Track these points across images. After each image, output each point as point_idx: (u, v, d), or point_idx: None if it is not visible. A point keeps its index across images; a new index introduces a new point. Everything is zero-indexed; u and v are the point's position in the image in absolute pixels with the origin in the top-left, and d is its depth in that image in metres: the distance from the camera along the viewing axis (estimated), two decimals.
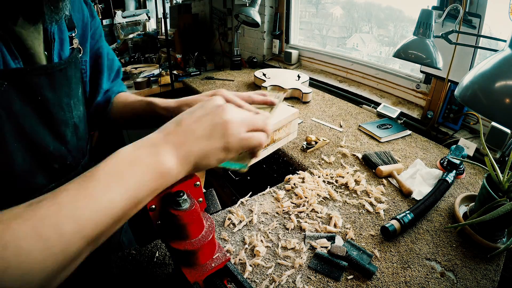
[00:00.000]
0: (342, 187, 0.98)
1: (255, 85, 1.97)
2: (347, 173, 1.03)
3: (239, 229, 0.81)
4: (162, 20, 2.71)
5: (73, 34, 0.57)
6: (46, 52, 0.51)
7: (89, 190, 0.30)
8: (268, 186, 0.97)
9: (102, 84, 0.69)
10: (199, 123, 0.39)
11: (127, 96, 0.73)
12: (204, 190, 0.53)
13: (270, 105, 0.53)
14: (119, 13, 3.57)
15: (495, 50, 0.65)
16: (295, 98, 1.75)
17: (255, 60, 2.50)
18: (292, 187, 0.97)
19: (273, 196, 0.94)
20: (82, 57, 0.61)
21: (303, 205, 0.89)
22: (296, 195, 0.93)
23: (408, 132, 1.34)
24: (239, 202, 0.90)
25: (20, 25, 0.45)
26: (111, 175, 0.32)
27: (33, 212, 0.27)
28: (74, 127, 0.57)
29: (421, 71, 1.54)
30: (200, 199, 0.50)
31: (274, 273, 0.69)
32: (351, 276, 0.68)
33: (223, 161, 0.42)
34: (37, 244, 0.26)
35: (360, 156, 1.14)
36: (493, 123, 1.14)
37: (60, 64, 0.51)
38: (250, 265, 0.70)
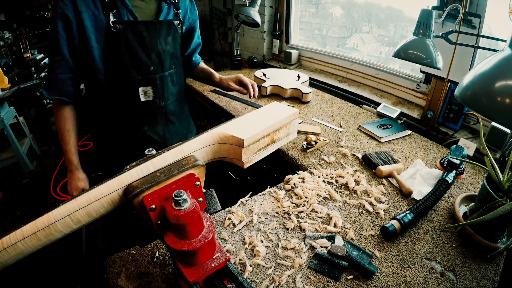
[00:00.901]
0: (342, 187, 0.98)
1: None
2: (347, 173, 1.03)
3: (239, 229, 0.81)
4: None
5: (178, 11, 1.04)
6: (156, 16, 0.99)
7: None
8: (268, 186, 0.97)
9: (191, 45, 1.21)
10: None
11: (203, 66, 1.33)
12: (204, 190, 0.53)
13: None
14: None
15: (495, 50, 0.65)
16: (295, 98, 1.74)
17: (255, 60, 2.49)
18: (292, 187, 0.97)
19: (273, 196, 0.94)
20: (183, 25, 1.08)
21: (303, 205, 0.88)
22: (296, 195, 0.93)
23: (408, 132, 1.34)
24: (239, 202, 0.90)
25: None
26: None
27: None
28: (157, 53, 1.00)
29: (421, 71, 1.54)
30: (200, 199, 0.50)
31: (274, 273, 0.69)
32: (351, 276, 0.68)
33: None
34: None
35: (360, 156, 1.14)
36: (493, 123, 1.14)
37: (153, 23, 0.96)
38: (250, 265, 0.70)
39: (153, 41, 0.97)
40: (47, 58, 4.05)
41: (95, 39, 0.90)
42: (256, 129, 0.60)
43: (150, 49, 0.98)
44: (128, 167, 0.50)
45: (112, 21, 0.88)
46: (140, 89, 1.00)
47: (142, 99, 1.02)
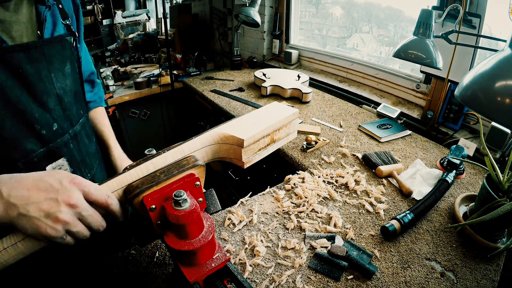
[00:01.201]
0: (342, 187, 0.98)
1: (255, 85, 1.97)
2: (347, 173, 1.03)
3: (239, 229, 0.81)
4: (162, 20, 2.71)
5: (68, 22, 0.67)
6: (39, 32, 0.60)
7: None
8: (268, 186, 0.97)
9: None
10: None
11: (98, 117, 0.91)
12: (204, 190, 0.53)
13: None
14: (119, 13, 3.57)
15: (495, 50, 0.65)
16: (295, 98, 1.74)
17: (255, 60, 2.50)
18: (292, 187, 0.97)
19: (273, 196, 0.94)
20: (78, 42, 0.71)
21: (303, 205, 0.88)
22: (296, 195, 0.93)
23: (408, 132, 1.34)
24: (239, 202, 0.90)
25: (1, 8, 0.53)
26: None
27: None
28: (58, 97, 0.64)
29: (421, 71, 1.54)
30: (200, 199, 0.50)
31: (274, 273, 0.69)
32: (351, 276, 0.68)
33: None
34: None
35: (360, 156, 1.14)
36: (493, 123, 1.14)
37: (36, 45, 0.58)
38: (250, 265, 0.70)
39: (44, 78, 0.60)
40: None
41: None
42: (256, 129, 0.60)
43: (45, 94, 0.61)
44: (128, 167, 0.50)
45: None
46: (48, 168, 0.64)
47: None
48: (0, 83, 0.52)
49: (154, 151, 0.53)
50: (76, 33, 0.69)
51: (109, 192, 0.45)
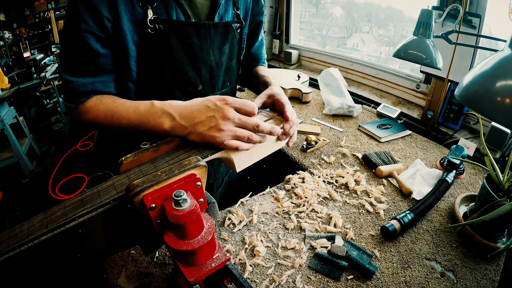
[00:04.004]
0: (342, 187, 0.98)
1: None
2: (347, 173, 1.03)
3: (239, 229, 0.81)
4: None
5: (238, 12, 0.82)
6: (211, 15, 0.75)
7: (130, 110, 0.63)
8: (268, 186, 0.97)
9: (251, 50, 0.98)
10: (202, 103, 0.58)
11: (259, 69, 1.01)
12: (208, 199, 0.53)
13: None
14: None
15: (495, 50, 0.65)
16: (295, 98, 1.75)
17: None
18: (292, 187, 0.97)
19: (273, 196, 0.94)
20: (244, 29, 0.86)
21: (303, 205, 0.89)
22: (296, 195, 0.93)
23: (408, 132, 1.34)
24: (239, 202, 0.90)
25: None
26: (136, 104, 0.63)
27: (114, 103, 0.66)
28: (210, 67, 0.79)
29: (421, 71, 1.54)
30: (201, 199, 0.50)
31: (274, 273, 0.69)
32: (351, 276, 0.68)
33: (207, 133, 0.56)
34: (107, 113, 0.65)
35: (360, 156, 1.14)
36: (493, 123, 1.14)
37: (206, 25, 0.73)
38: (250, 265, 0.70)
39: (204, 50, 0.75)
40: (47, 59, 4.05)
41: (131, 39, 0.66)
42: (252, 160, 0.66)
43: (201, 62, 0.75)
44: (123, 159, 0.52)
45: (150, 19, 0.64)
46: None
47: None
48: (174, 50, 0.70)
49: (149, 144, 0.57)
50: (243, 21, 0.83)
51: (255, 104, 0.61)
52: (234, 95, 0.92)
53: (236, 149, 0.58)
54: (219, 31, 0.76)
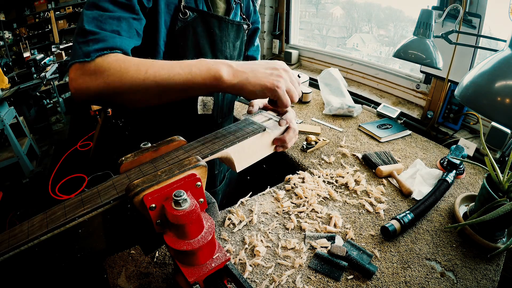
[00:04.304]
0: (342, 187, 0.98)
1: None
2: (347, 173, 1.03)
3: (239, 229, 0.81)
4: None
5: (244, 16, 0.92)
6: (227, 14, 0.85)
7: (170, 64, 0.55)
8: (268, 186, 0.97)
9: (247, 53, 1.04)
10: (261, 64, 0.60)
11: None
12: (208, 199, 0.53)
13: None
14: None
15: (495, 50, 0.65)
16: None
17: None
18: (292, 187, 0.97)
19: (273, 196, 0.94)
20: (247, 30, 0.94)
21: (303, 205, 0.89)
22: (296, 195, 0.93)
23: (408, 132, 1.34)
24: (239, 202, 0.90)
25: None
26: (184, 63, 0.56)
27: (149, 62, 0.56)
28: (225, 58, 0.85)
29: (421, 71, 1.54)
30: (201, 199, 0.50)
31: (274, 273, 0.69)
32: (351, 276, 0.68)
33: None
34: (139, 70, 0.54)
35: (360, 156, 1.14)
36: (493, 123, 1.14)
37: (225, 20, 0.81)
38: (250, 265, 0.70)
39: (223, 42, 0.83)
40: (47, 59, 4.05)
41: (163, 19, 0.71)
42: (250, 161, 0.67)
43: (219, 51, 0.83)
44: (123, 158, 0.51)
45: (183, 5, 0.71)
46: (200, 98, 0.83)
47: (200, 111, 0.85)
48: (199, 36, 0.77)
49: (149, 144, 0.56)
50: (250, 24, 0.93)
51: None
52: None
53: (285, 106, 0.60)
54: (234, 28, 0.86)
